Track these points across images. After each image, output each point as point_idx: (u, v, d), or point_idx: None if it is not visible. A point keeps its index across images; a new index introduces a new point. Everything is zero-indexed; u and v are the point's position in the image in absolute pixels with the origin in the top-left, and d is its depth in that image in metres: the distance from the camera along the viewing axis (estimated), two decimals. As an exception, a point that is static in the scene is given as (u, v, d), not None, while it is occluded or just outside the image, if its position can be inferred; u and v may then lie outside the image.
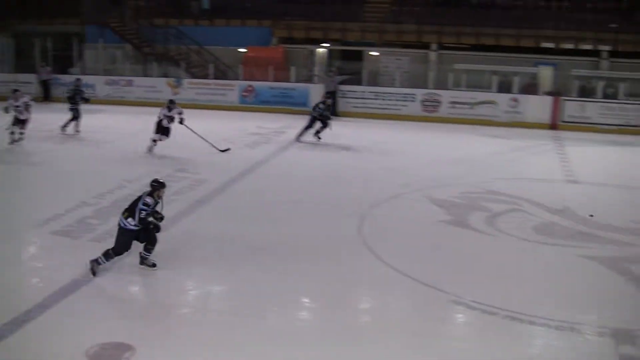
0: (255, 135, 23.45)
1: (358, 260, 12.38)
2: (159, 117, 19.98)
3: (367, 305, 11.12)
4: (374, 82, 30.27)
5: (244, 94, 29.47)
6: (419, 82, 30.05)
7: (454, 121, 27.22)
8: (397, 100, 28.19)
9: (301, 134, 22.34)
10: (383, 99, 27.74)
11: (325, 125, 22.22)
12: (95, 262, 11.11)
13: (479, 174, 19.11)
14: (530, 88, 29.48)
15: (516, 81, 28.70)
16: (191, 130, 19.89)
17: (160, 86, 30.32)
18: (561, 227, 14.64)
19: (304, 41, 33.64)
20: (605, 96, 28.41)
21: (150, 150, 20.11)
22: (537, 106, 27.75)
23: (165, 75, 31.03)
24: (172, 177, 17.22)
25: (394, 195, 16.63)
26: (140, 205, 10.90)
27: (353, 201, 15.94)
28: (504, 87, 28.88)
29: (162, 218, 11.16)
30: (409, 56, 32.74)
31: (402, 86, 29.61)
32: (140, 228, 11.01)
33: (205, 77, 31.15)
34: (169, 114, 19.98)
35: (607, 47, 30.77)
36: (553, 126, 27.37)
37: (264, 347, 9.02)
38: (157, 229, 11.23)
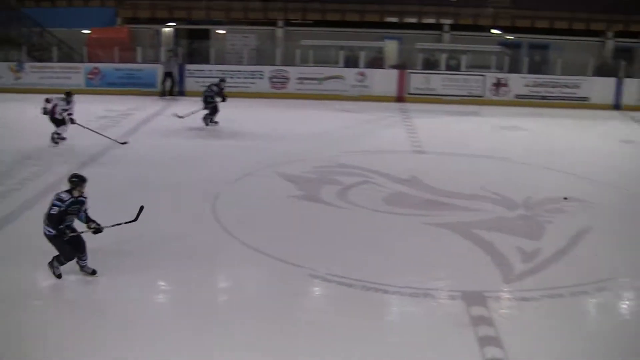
0: (104, 118, 22.78)
1: (212, 240, 12.33)
2: (54, 110, 18.52)
3: (224, 284, 11.08)
4: (221, 60, 30.01)
5: (90, 76, 28.60)
6: (266, 59, 30.02)
7: (302, 97, 27.35)
8: (246, 77, 28.07)
9: (206, 118, 21.59)
10: (231, 77, 27.52)
11: (213, 110, 21.56)
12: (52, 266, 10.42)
13: (329, 148, 19.30)
14: (377, 62, 29.97)
15: (362, 56, 29.09)
16: (84, 126, 18.86)
17: (1, 71, 29.01)
18: (410, 196, 15.04)
19: (150, 21, 32.97)
20: (449, 68, 29.25)
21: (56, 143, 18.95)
22: (384, 79, 28.26)
23: (6, 60, 29.72)
24: (19, 165, 16.67)
25: (247, 173, 16.58)
26: (53, 201, 9.97)
27: (206, 181, 15.79)
28: (351, 62, 29.25)
29: (98, 228, 10.23)
30: (256, 33, 32.68)
31: (250, 64, 29.54)
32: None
33: (49, 60, 30.07)
34: (67, 107, 18.80)
35: (448, 21, 31.64)
36: (400, 99, 27.94)
37: (119, 335, 8.89)
38: (97, 231, 10.31)
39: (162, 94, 27.52)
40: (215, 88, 21.63)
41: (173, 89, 27.85)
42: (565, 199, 14.98)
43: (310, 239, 12.52)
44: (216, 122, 21.76)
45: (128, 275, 10.65)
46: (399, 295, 10.28)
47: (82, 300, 10.14)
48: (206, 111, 21.54)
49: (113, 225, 10.48)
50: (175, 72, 27.88)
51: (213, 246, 12.04)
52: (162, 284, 10.72)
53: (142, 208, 10.66)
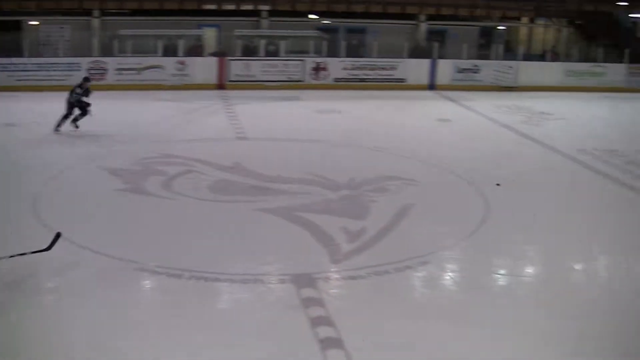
0: None
1: (34, 240, 11.80)
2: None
3: (50, 284, 10.64)
4: (36, 53, 28.87)
5: None
6: (83, 50, 29.14)
7: (122, 88, 26.67)
8: (62, 70, 27.09)
9: (59, 123, 20.28)
10: (47, 70, 26.56)
11: (84, 112, 20.29)
12: None
13: (151, 139, 19.01)
14: (196, 50, 29.71)
15: (181, 44, 28.76)
16: None
17: None
18: (235, 183, 15.07)
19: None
20: (268, 54, 29.39)
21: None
22: (204, 67, 28.07)
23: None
24: None
25: (68, 167, 16.08)
26: None
27: (25, 179, 15.12)
28: (170, 51, 28.87)
29: None
30: (71, 24, 31.58)
31: (66, 55, 28.58)
32: None
33: None
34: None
35: (266, 7, 31.74)
36: (220, 86, 27.83)
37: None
38: None
39: None
40: (79, 90, 20.47)
41: None
42: (498, 184, 15.39)
43: (137, 232, 12.31)
44: (77, 127, 20.31)
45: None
46: (230, 282, 10.30)
47: None
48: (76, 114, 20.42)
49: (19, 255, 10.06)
50: None
51: (36, 245, 11.54)
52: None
53: (58, 235, 10.28)
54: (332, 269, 10.86)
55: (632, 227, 13.37)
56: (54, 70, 26.74)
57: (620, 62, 31.35)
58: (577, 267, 11.78)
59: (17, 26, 31.29)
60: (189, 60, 27.91)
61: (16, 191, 14.28)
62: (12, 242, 11.20)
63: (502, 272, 11.35)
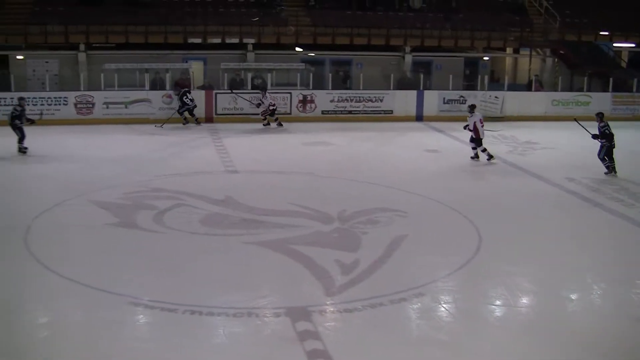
0: None
1: (27, 273, 11.79)
2: None
3: (43, 319, 10.54)
4: (23, 87, 28.81)
5: None
6: (70, 84, 29.13)
7: (110, 121, 26.72)
8: (49, 104, 27.07)
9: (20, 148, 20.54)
10: (35, 105, 26.53)
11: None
12: None
13: (141, 173, 18.99)
14: (183, 83, 29.70)
15: (168, 77, 28.81)
16: None
17: None
18: (227, 216, 15.04)
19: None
20: (254, 87, 29.42)
21: None
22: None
23: None
24: None
25: (58, 202, 15.97)
26: None
27: (15, 213, 15.12)
28: (157, 84, 28.90)
29: None
30: (58, 58, 31.59)
31: (53, 90, 28.55)
32: None
33: None
34: None
35: (251, 40, 31.88)
36: (208, 119, 27.84)
37: None
38: None
39: None
40: (18, 109, 20.92)
41: None
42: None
43: (129, 266, 12.22)
44: (25, 149, 20.94)
45: None
46: (225, 316, 10.23)
47: None
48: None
49: None
50: None
51: (27, 280, 11.53)
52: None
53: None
54: (327, 302, 10.80)
55: (625, 255, 13.39)
56: (41, 104, 26.66)
57: (605, 90, 31.65)
58: (572, 296, 11.76)
59: (4, 61, 31.30)
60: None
61: (7, 224, 14.25)
62: (9, 281, 11.25)
63: (497, 302, 11.34)
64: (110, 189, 17.10)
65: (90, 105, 27.07)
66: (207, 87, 29.19)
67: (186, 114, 26.97)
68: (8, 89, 27.44)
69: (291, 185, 18.22)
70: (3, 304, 10.53)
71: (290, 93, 28.80)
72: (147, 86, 28.46)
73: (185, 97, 26.76)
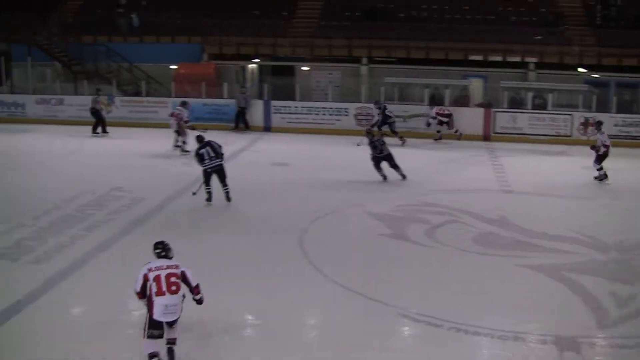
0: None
1: (301, 276, 12.38)
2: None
3: (312, 320, 11.10)
4: (306, 97, 30.20)
5: (177, 111, 29.17)
6: (351, 96, 30.11)
7: (387, 134, 27.20)
8: (331, 114, 28.21)
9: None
10: (316, 114, 27.76)
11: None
12: None
13: (415, 187, 19.18)
14: (462, 100, 29.76)
15: (447, 94, 28.95)
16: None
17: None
18: (499, 236, 14.85)
19: (235, 57, 33.48)
20: (535, 107, 28.86)
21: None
22: (470, 118, 27.98)
23: (96, 93, 30.53)
24: (108, 196, 17.08)
25: (333, 209, 16.63)
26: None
27: (293, 216, 15.95)
28: (436, 100, 29.14)
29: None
30: (340, 70, 32.82)
31: (335, 100, 29.67)
32: None
33: (137, 94, 30.80)
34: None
35: (533, 59, 31.34)
36: (486, 137, 27.65)
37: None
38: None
39: (235, 128, 28.03)
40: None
41: (238, 122, 28.37)
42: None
43: (399, 277, 12.45)
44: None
45: (217, 307, 10.74)
46: (490, 337, 10.12)
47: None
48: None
49: None
50: (248, 107, 28.24)
51: (301, 282, 12.08)
52: (250, 317, 10.90)
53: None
54: (598, 335, 10.37)
55: None
56: (323, 114, 27.81)
57: None
58: None
59: (291, 71, 33.00)
60: (454, 110, 27.91)
61: (286, 228, 15.02)
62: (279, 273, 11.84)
63: None
64: (385, 201, 17.48)
65: (370, 117, 27.72)
66: (486, 105, 28.96)
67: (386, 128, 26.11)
68: (293, 98, 28.91)
69: (568, 209, 17.70)
70: (283, 304, 11.10)
71: (571, 115, 27.91)
72: (425, 101, 28.74)
73: (387, 111, 26.21)
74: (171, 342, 9.09)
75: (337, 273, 12.32)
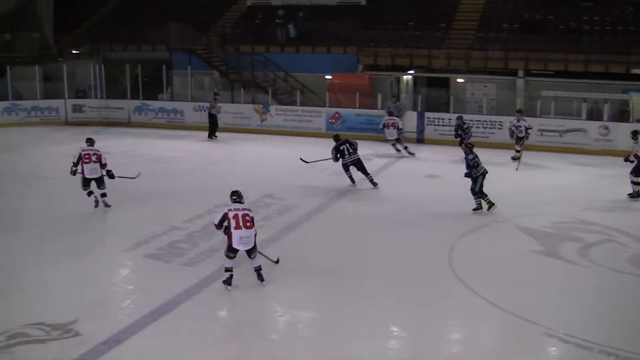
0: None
1: (447, 288, 12.29)
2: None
3: (457, 335, 10.97)
4: (460, 109, 29.86)
5: (331, 120, 29.50)
6: (506, 109, 29.55)
7: (542, 149, 26.58)
8: (485, 127, 27.82)
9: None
10: (470, 127, 27.43)
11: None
12: None
13: (569, 203, 18.60)
14: (621, 115, 28.72)
15: (606, 108, 28.02)
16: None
17: (247, 112, 30.61)
18: (657, 259, 14.20)
19: (390, 68, 33.57)
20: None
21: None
22: (629, 134, 26.95)
23: (252, 102, 31.29)
24: (259, 203, 17.41)
25: (484, 223, 16.41)
26: None
27: (443, 228, 15.89)
28: (594, 115, 28.25)
29: None
30: (495, 83, 32.33)
31: (489, 113, 29.23)
32: None
33: (292, 103, 31.35)
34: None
35: (698, 74, 29.95)
36: (645, 154, 26.57)
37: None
38: None
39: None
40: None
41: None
42: None
43: (548, 295, 12.13)
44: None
45: (362, 316, 10.77)
46: (643, 364, 9.73)
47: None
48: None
49: None
50: (400, 116, 27.94)
51: (448, 295, 11.98)
52: (395, 329, 10.86)
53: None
54: None
55: None
56: (477, 127, 27.41)
57: None
58: None
59: (445, 83, 32.82)
60: (613, 125, 27.00)
61: (435, 240, 14.95)
62: (432, 293, 11.74)
63: None
64: (537, 216, 17.04)
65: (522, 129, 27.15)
66: (647, 120, 27.86)
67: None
68: (447, 110, 28.73)
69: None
70: (425, 316, 11.04)
71: None
72: (583, 116, 27.92)
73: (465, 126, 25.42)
74: (257, 269, 12.08)
75: (482, 286, 12.18)
